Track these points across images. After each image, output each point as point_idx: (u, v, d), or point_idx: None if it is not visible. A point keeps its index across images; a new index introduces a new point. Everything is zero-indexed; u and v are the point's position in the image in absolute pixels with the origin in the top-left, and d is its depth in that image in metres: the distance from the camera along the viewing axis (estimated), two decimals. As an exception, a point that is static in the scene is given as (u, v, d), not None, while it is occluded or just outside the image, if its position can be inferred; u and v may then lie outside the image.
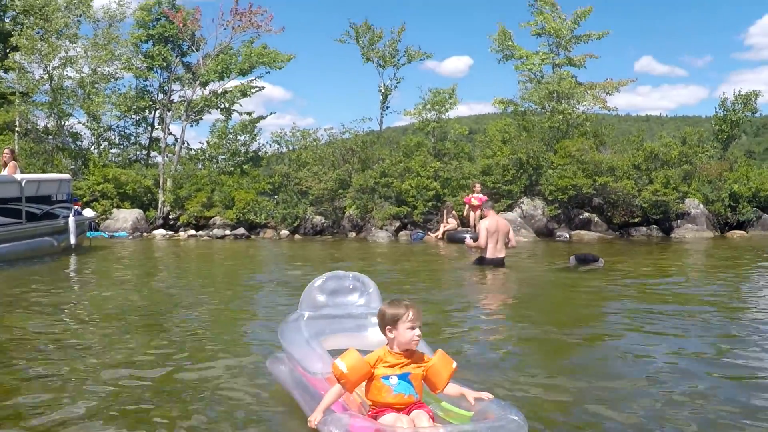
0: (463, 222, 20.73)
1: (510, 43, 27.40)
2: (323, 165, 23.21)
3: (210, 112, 27.37)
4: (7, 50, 26.25)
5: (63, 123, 25.68)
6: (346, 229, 22.00)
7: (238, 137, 26.90)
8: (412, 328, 3.90)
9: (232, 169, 25.74)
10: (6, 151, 15.21)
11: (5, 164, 14.82)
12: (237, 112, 27.50)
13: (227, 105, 27.04)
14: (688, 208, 21.92)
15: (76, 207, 16.39)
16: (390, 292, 8.51)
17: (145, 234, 21.86)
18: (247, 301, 9.68)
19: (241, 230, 21.72)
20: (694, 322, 7.74)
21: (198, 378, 5.41)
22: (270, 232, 21.96)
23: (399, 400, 3.84)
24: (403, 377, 3.87)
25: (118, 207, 22.63)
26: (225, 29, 25.79)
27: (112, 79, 26.79)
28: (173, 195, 23.16)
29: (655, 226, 21.91)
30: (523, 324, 7.84)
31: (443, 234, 20.08)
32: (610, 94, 26.54)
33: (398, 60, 27.15)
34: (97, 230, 20.55)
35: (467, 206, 20.45)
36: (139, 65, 27.26)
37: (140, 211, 22.75)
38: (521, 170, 22.36)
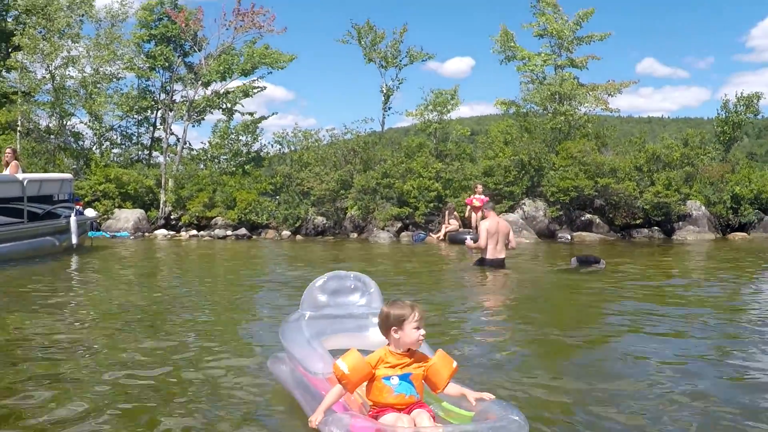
0: (465, 223, 20.71)
1: (512, 44, 27.41)
2: (325, 165, 23.21)
3: (212, 113, 27.45)
4: (10, 50, 26.29)
5: (65, 123, 25.69)
6: (348, 229, 21.99)
7: (240, 137, 26.97)
8: (418, 328, 3.91)
9: (234, 169, 25.77)
10: (8, 150, 15.22)
11: (7, 164, 14.83)
12: (239, 112, 27.59)
13: (229, 105, 27.09)
14: (689, 209, 21.88)
15: (77, 207, 16.38)
16: (391, 293, 8.51)
17: (146, 234, 21.85)
18: (248, 301, 9.68)
19: (243, 231, 21.72)
20: (695, 323, 7.73)
21: (199, 378, 5.42)
22: (271, 232, 21.95)
23: (400, 401, 3.84)
24: (404, 378, 3.87)
25: (120, 207, 22.62)
26: (227, 29, 25.81)
27: (114, 79, 26.87)
28: (175, 195, 23.17)
29: (656, 227, 21.89)
30: (525, 325, 7.84)
31: (445, 235, 20.07)
32: (612, 96, 26.57)
33: (400, 61, 27.18)
34: (98, 230, 20.54)
35: (469, 207, 20.44)
36: (141, 65, 27.30)
37: (142, 211, 22.74)
38: (523, 171, 22.35)
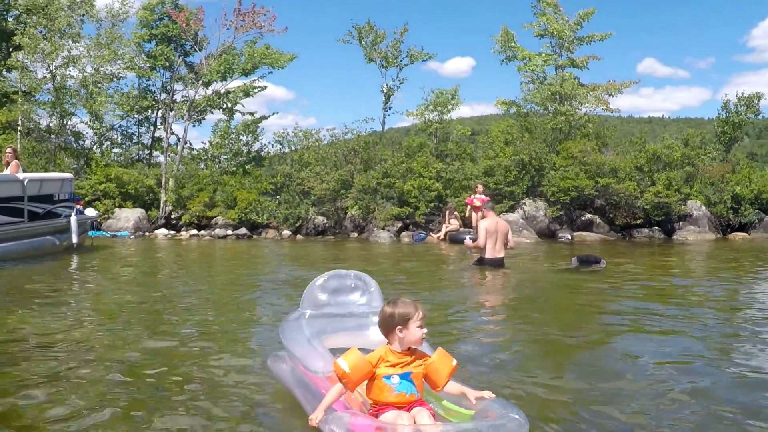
0: (465, 223, 20.71)
1: (513, 44, 27.43)
2: (325, 165, 23.22)
3: (212, 112, 27.45)
4: (10, 49, 26.29)
5: (65, 122, 25.71)
6: (348, 229, 21.99)
7: (241, 137, 26.97)
8: (421, 326, 3.93)
9: (235, 169, 25.77)
10: (8, 150, 15.23)
11: (7, 163, 14.84)
12: (239, 112, 27.58)
13: (230, 105, 27.09)
14: (690, 209, 21.89)
15: (78, 206, 16.38)
16: (391, 292, 8.51)
17: (147, 234, 21.86)
18: (248, 300, 9.67)
19: (243, 230, 21.72)
20: (695, 323, 7.72)
21: (199, 376, 5.42)
22: (272, 232, 21.96)
23: (401, 399, 3.85)
24: (404, 377, 3.87)
25: (120, 206, 22.63)
26: (228, 29, 25.82)
27: (115, 79, 26.90)
28: (175, 195, 23.17)
29: (657, 227, 21.90)
30: (525, 324, 7.84)
31: (445, 235, 20.07)
32: (612, 96, 26.60)
33: (401, 61, 27.19)
34: (99, 230, 20.55)
35: (469, 207, 20.44)
36: (142, 65, 27.32)
37: (142, 210, 22.75)
38: (523, 171, 22.35)
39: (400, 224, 21.51)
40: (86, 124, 26.80)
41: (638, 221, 21.89)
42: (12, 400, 4.80)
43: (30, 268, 12.65)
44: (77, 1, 25.00)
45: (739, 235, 21.78)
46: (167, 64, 27.43)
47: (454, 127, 26.75)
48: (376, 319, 4.26)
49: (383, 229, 21.04)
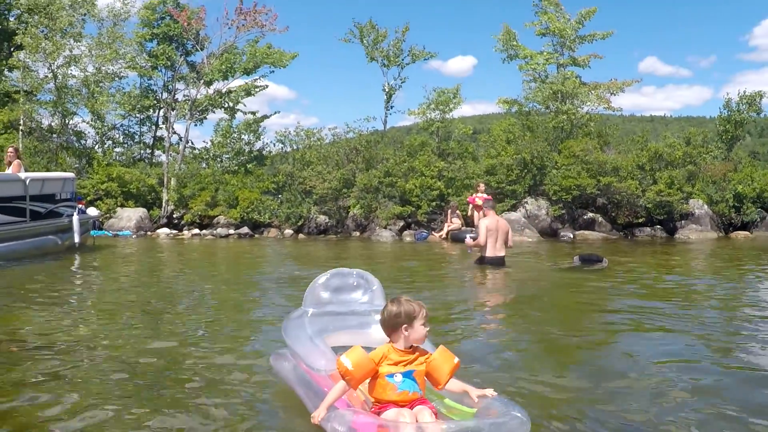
0: (467, 222, 20.71)
1: (514, 42, 27.42)
2: (327, 164, 23.24)
3: (214, 112, 27.47)
4: (12, 49, 26.34)
5: (67, 122, 25.75)
6: (350, 228, 22.00)
7: (242, 136, 26.98)
8: (424, 324, 3.94)
9: (236, 168, 25.80)
10: (10, 149, 15.24)
11: (9, 163, 14.85)
12: (241, 111, 27.57)
13: (231, 104, 27.11)
14: (692, 208, 21.88)
15: (80, 206, 16.39)
16: (393, 291, 8.51)
17: (148, 233, 21.87)
18: (250, 299, 9.68)
19: (245, 229, 21.74)
20: (698, 321, 7.72)
21: (200, 374, 5.41)
22: (274, 231, 21.97)
23: (403, 398, 3.85)
24: (407, 375, 3.87)
25: (122, 206, 22.66)
26: (229, 28, 25.87)
27: (117, 78, 26.97)
28: (177, 194, 23.18)
29: (659, 226, 21.89)
30: (527, 323, 7.84)
31: (447, 234, 20.07)
32: (614, 95, 26.56)
33: (402, 60, 27.23)
34: (101, 229, 20.57)
35: (471, 206, 20.44)
36: (144, 64, 27.34)
37: (144, 210, 22.77)
38: (525, 170, 22.34)
39: (402, 223, 21.51)
40: (88, 123, 26.88)
41: (640, 220, 21.89)
42: (12, 399, 4.80)
43: (32, 267, 12.65)
44: (78, 0, 25.01)
45: (741, 234, 21.77)
46: (169, 63, 27.46)
47: (456, 126, 26.79)
48: (378, 317, 4.26)
49: (385, 228, 21.05)
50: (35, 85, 24.73)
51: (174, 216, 23.24)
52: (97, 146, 27.16)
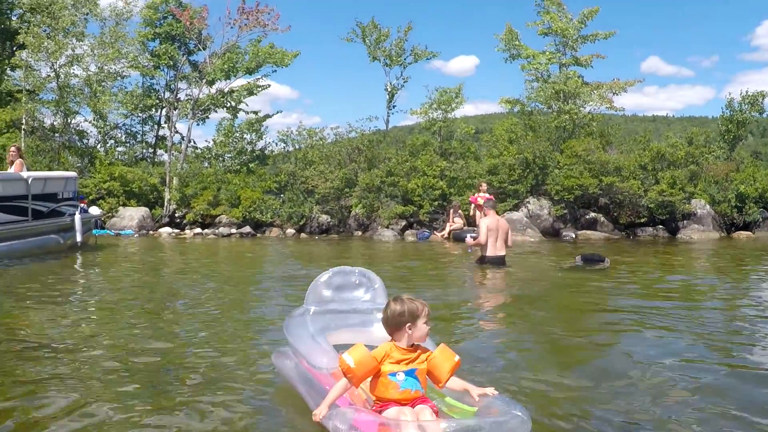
0: (470, 221, 20.70)
1: (516, 42, 27.39)
2: (329, 164, 23.23)
3: (216, 111, 27.43)
4: (14, 48, 26.35)
5: (69, 121, 25.76)
6: (352, 228, 22.00)
7: (245, 136, 26.96)
8: (426, 323, 3.96)
9: (239, 167, 25.78)
10: (12, 148, 15.24)
11: (12, 162, 14.86)
12: (243, 110, 27.56)
13: (234, 103, 27.10)
14: (694, 208, 21.86)
15: (82, 205, 16.39)
16: (395, 290, 8.50)
17: (151, 232, 21.87)
18: (252, 297, 9.69)
19: (247, 229, 21.74)
20: (699, 321, 7.72)
21: (202, 373, 5.42)
22: (276, 230, 21.98)
23: (405, 396, 3.85)
24: (410, 373, 3.88)
25: (125, 205, 22.68)
26: (232, 28, 25.85)
27: (119, 78, 26.94)
28: (179, 193, 23.19)
29: (661, 226, 21.87)
30: (529, 322, 7.84)
31: (449, 233, 20.06)
32: (616, 94, 26.49)
33: (405, 59, 27.20)
34: (103, 228, 20.58)
35: (473, 206, 20.43)
36: (146, 63, 27.33)
37: (146, 209, 22.78)
38: (527, 170, 22.33)
39: (404, 223, 21.51)
40: (90, 122, 26.85)
41: (642, 220, 21.88)
42: (12, 398, 4.81)
43: (34, 266, 12.66)
44: (81, -1, 25.06)
45: (743, 234, 21.74)
46: (171, 62, 27.47)
47: (458, 126, 26.76)
48: (380, 315, 4.26)
49: (387, 227, 21.05)
50: (37, 84, 24.76)
51: (176, 215, 23.25)
52: (99, 145, 27.15)
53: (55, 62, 24.23)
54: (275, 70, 27.56)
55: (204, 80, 26.10)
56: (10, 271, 11.93)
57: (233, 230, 21.74)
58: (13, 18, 27.39)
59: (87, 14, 25.60)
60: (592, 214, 21.91)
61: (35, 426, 4.31)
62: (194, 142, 28.02)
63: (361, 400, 4.14)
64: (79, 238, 15.62)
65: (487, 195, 19.46)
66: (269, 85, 27.63)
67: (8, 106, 25.03)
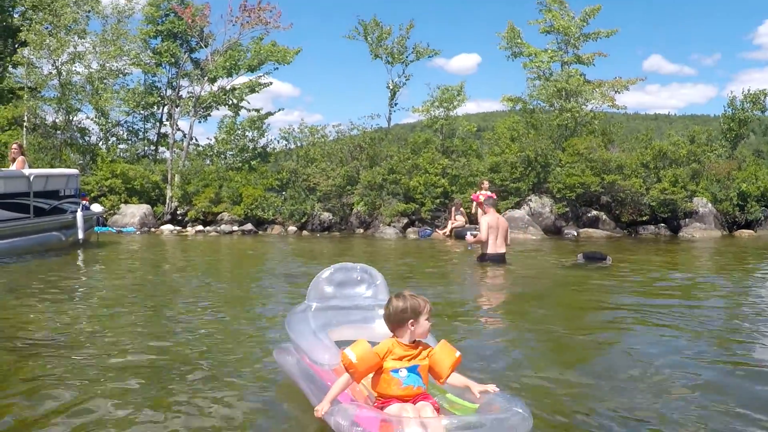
0: (471, 219, 20.68)
1: (519, 40, 27.41)
2: (331, 161, 23.24)
3: (218, 108, 27.45)
4: (16, 45, 26.35)
5: (71, 118, 25.77)
6: (354, 225, 22.01)
7: (246, 133, 26.96)
8: (428, 319, 3.96)
9: (240, 165, 25.78)
10: (14, 146, 15.24)
11: (13, 159, 14.85)
12: (245, 108, 27.59)
13: (235, 101, 27.11)
14: (696, 206, 21.86)
15: (84, 202, 16.39)
16: (397, 287, 8.50)
17: (152, 229, 21.89)
18: (254, 294, 9.69)
19: (249, 226, 21.76)
20: (701, 318, 7.71)
21: (204, 368, 5.42)
22: (277, 228, 21.99)
23: (408, 393, 3.84)
24: (412, 370, 3.87)
25: (126, 202, 22.68)
26: (233, 25, 25.85)
27: (121, 75, 27.00)
28: (181, 191, 23.20)
29: (663, 224, 21.88)
30: (530, 319, 7.83)
31: (451, 231, 20.06)
32: (618, 93, 26.52)
33: (407, 57, 27.25)
34: (105, 225, 20.59)
35: (475, 203, 20.42)
36: (148, 61, 27.37)
37: (148, 206, 22.78)
38: (529, 168, 22.32)
39: (405, 220, 21.52)
40: (92, 120, 26.89)
41: (644, 218, 21.88)
42: (13, 395, 4.81)
43: (35, 264, 12.67)
44: (83, -3, 25.06)
45: (745, 233, 21.73)
46: (173, 60, 27.50)
47: (460, 124, 26.76)
48: (381, 311, 4.26)
49: (389, 225, 21.05)
50: (39, 81, 24.78)
51: (178, 212, 23.26)
52: (101, 143, 27.17)
53: (57, 59, 24.25)
54: (277, 68, 27.61)
55: (206, 78, 26.11)
56: (11, 268, 11.94)
57: (235, 228, 21.76)
58: (15, 15, 27.43)
59: (89, 11, 25.65)
60: (594, 212, 21.91)
61: (36, 422, 4.30)
62: (196, 140, 28.10)
63: (363, 396, 4.14)
64: (80, 236, 15.62)
65: (488, 193, 19.47)
66: (271, 83, 27.70)
67: (10, 104, 25.07)
